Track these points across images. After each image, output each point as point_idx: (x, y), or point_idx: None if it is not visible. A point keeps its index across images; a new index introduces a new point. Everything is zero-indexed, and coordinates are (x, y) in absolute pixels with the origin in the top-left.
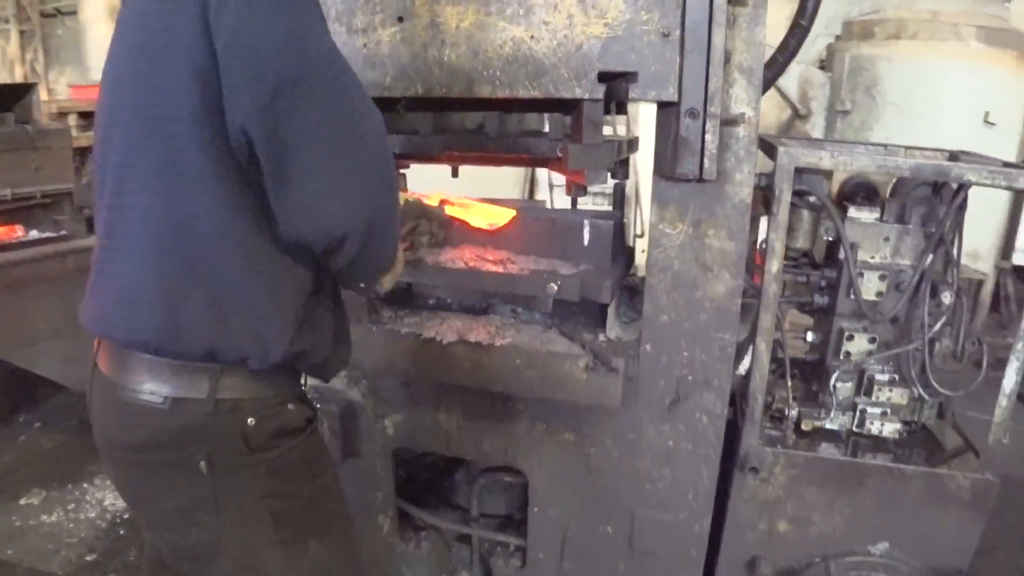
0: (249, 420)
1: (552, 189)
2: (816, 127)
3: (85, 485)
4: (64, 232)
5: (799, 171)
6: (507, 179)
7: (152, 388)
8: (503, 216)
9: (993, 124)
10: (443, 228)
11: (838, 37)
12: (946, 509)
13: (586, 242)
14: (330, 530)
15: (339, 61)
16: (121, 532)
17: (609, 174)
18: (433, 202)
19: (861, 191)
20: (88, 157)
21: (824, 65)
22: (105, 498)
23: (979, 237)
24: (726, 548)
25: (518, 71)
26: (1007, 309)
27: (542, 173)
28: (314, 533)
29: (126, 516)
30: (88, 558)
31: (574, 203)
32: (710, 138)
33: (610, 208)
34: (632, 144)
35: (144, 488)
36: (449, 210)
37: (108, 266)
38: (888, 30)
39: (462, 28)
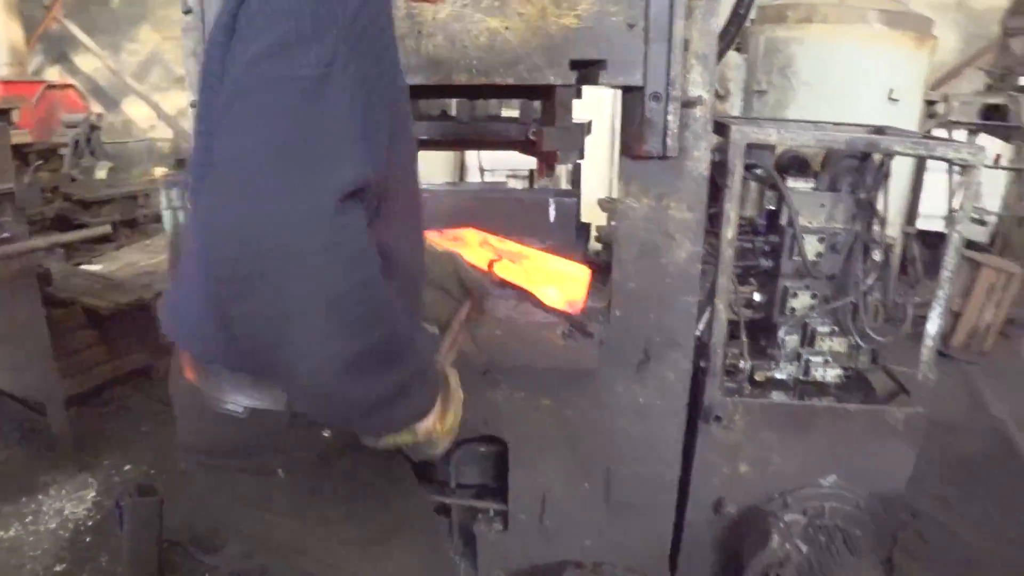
0: (325, 432)
1: (483, 173)
2: (734, 107)
3: (40, 496)
4: (6, 234)
5: (749, 146)
6: (437, 164)
7: (233, 398)
8: (577, 277)
9: (896, 100)
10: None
11: (753, 21)
12: (884, 442)
13: (552, 219)
14: (411, 528)
15: None
16: (88, 539)
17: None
18: (475, 257)
19: (794, 164)
20: (29, 155)
21: (740, 48)
22: (64, 507)
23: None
24: (694, 492)
25: (494, 59)
26: (913, 270)
27: (471, 158)
28: (395, 532)
29: (90, 523)
30: (57, 568)
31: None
32: (672, 119)
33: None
34: (588, 127)
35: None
36: (505, 273)
37: (183, 274)
38: (800, 14)
39: (439, 19)
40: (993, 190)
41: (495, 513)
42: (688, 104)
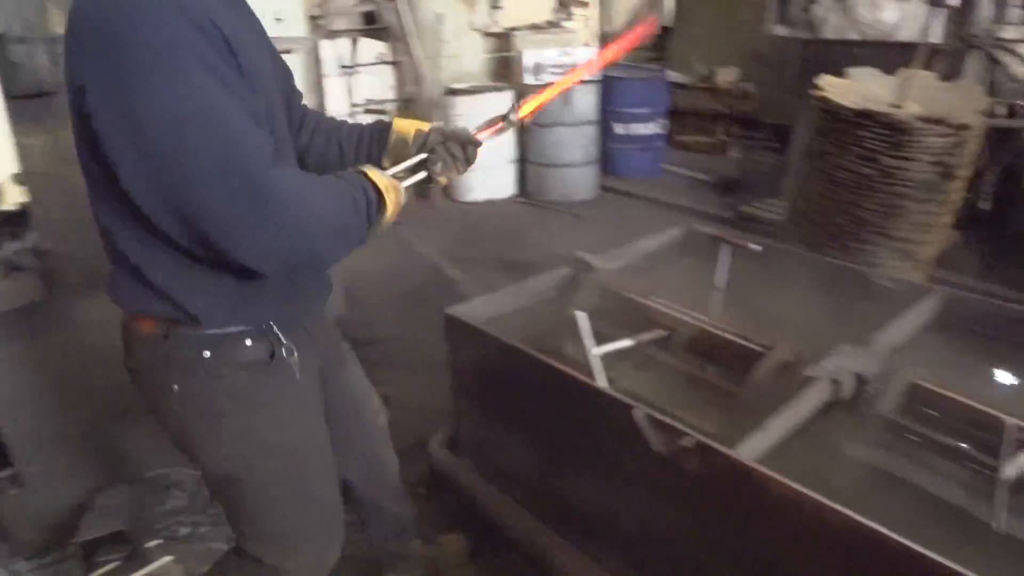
0: (205, 352)
1: None
2: None
3: None
4: None
5: None
6: None
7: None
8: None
9: (282, 20)
10: (471, 147)
11: None
12: None
13: None
14: (279, 458)
15: None
16: None
17: None
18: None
19: None
20: None
21: None
22: None
23: None
24: None
25: None
26: None
27: None
28: (261, 457)
29: None
30: None
31: None
32: None
33: None
34: None
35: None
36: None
37: None
38: None
39: None
40: (385, 82)
41: None
42: None
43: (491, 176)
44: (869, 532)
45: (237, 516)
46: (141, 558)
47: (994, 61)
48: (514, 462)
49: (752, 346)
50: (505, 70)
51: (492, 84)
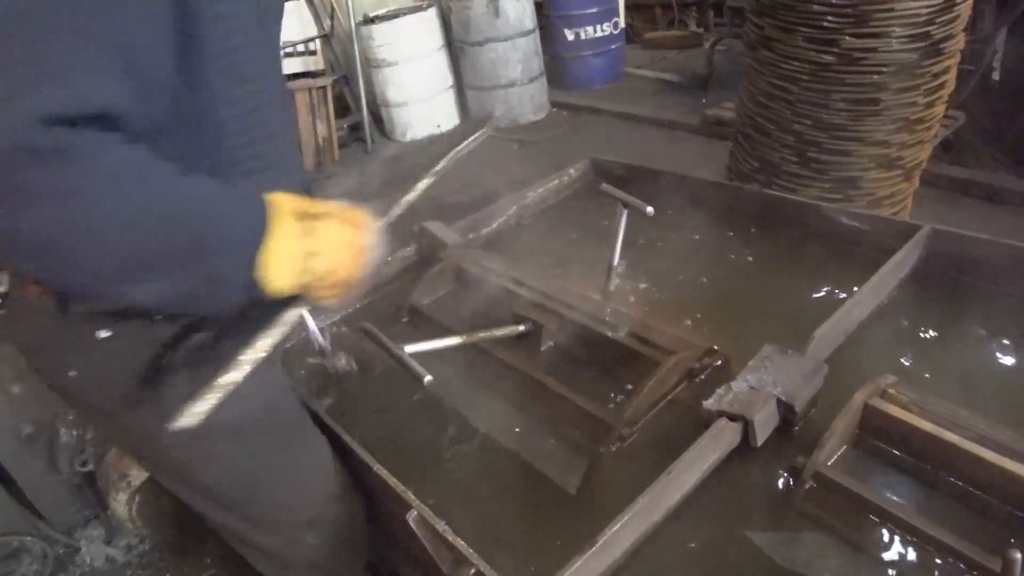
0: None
1: None
2: None
3: None
4: None
5: None
6: None
7: None
8: None
9: None
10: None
11: None
12: None
13: None
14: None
15: None
16: None
17: None
18: None
19: None
20: None
21: None
22: None
23: None
24: None
25: None
26: None
27: None
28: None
29: None
30: None
31: None
32: None
33: None
34: None
35: None
36: None
37: None
38: None
39: None
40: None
41: None
42: None
43: (428, 108)
44: None
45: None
46: None
47: None
48: None
49: (641, 350)
50: None
51: (414, 5)
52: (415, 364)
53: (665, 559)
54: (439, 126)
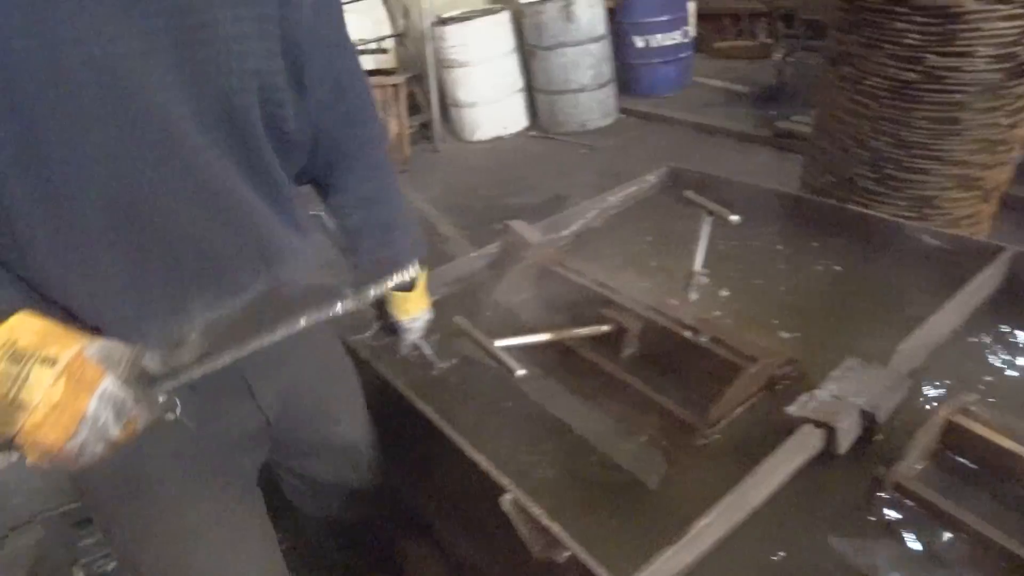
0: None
1: None
2: None
3: None
4: None
5: None
6: None
7: None
8: None
9: None
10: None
11: None
12: None
13: None
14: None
15: None
16: None
17: None
18: None
19: None
20: None
21: None
22: None
23: None
24: None
25: None
26: None
27: None
28: None
29: None
30: None
31: None
32: None
33: None
34: None
35: None
36: None
37: None
38: None
39: None
40: (377, 16)
41: None
42: None
43: (497, 110)
44: None
45: None
46: None
47: None
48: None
49: (723, 355)
50: None
51: (486, 8)
52: (507, 357)
53: (746, 557)
54: (506, 128)
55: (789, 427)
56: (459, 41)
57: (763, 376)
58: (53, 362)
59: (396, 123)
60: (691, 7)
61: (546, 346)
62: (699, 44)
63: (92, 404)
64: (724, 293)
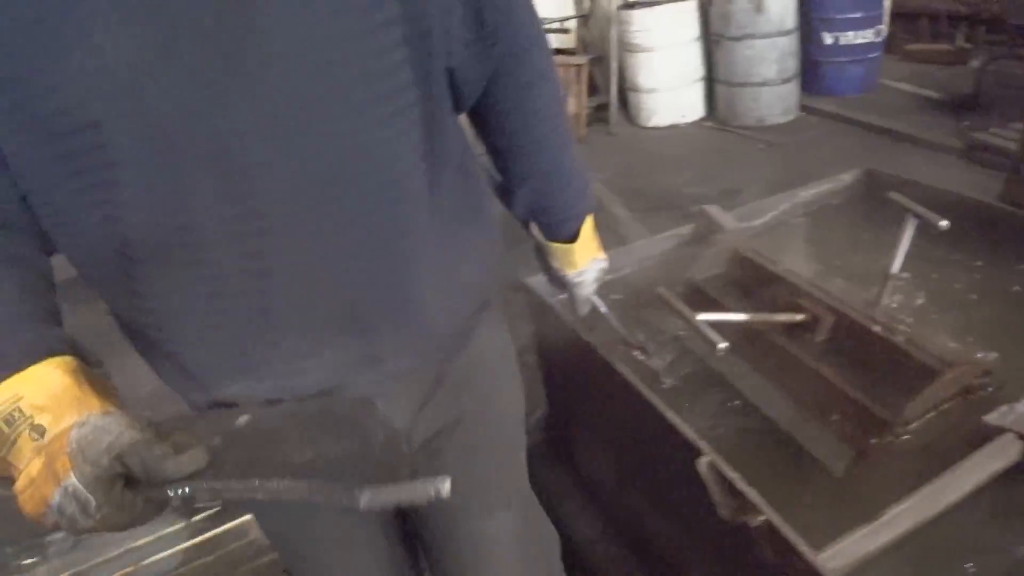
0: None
1: None
2: None
3: None
4: None
5: None
6: None
7: None
8: None
9: None
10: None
11: None
12: None
13: None
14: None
15: None
16: None
17: None
18: None
19: None
20: None
21: None
22: None
23: None
24: None
25: None
26: None
27: None
28: None
29: None
30: None
31: None
32: None
33: None
34: None
35: None
36: None
37: None
38: None
39: None
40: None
41: None
42: None
43: (676, 97)
44: None
45: None
46: None
47: None
48: (597, 474)
49: (921, 357)
50: None
51: None
52: (711, 331)
53: (935, 560)
54: (683, 116)
55: (984, 436)
56: (644, 26)
57: (959, 383)
58: (42, 433)
59: (575, 103)
60: (886, 4)
61: (737, 327)
62: (889, 44)
63: (56, 496)
64: (919, 301)
